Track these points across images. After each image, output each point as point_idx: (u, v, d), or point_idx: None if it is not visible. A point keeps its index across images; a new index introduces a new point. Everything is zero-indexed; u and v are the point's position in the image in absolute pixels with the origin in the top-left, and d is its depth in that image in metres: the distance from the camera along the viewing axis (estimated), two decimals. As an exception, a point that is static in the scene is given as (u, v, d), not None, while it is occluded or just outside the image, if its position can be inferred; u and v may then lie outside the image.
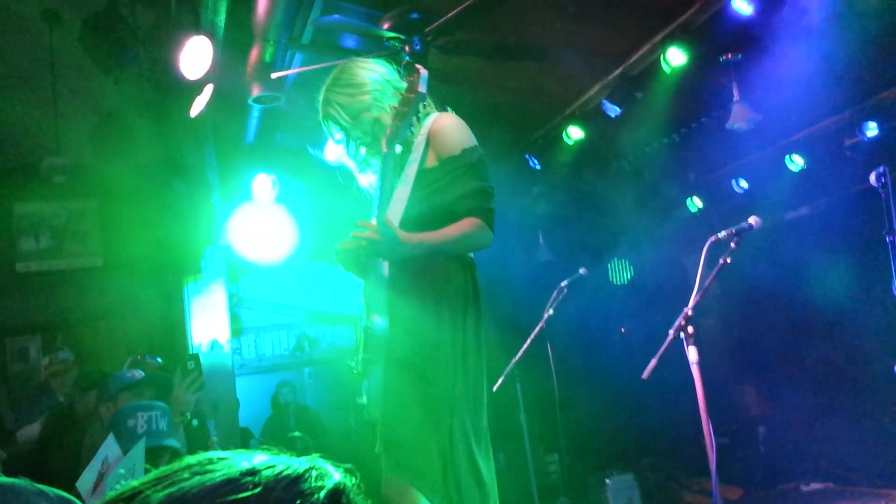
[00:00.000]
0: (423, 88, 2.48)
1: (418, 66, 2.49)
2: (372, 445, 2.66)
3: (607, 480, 6.65)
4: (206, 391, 4.56)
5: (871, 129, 5.66)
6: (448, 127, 2.71)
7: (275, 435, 7.41)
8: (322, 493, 0.64)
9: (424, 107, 2.54)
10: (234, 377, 5.80)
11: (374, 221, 2.55)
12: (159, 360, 4.63)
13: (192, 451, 3.46)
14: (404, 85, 2.67)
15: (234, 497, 0.62)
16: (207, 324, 5.58)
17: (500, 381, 5.15)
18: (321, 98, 2.78)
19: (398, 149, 2.68)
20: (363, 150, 2.77)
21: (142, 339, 5.44)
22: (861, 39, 4.83)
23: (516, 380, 5.34)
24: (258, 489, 0.63)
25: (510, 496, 5.70)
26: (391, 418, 2.60)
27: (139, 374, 3.83)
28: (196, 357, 4.08)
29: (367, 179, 2.85)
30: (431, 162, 2.70)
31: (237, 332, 7.51)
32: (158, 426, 2.97)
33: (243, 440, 5.71)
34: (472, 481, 2.55)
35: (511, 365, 5.22)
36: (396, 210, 2.64)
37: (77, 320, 5.51)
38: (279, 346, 8.32)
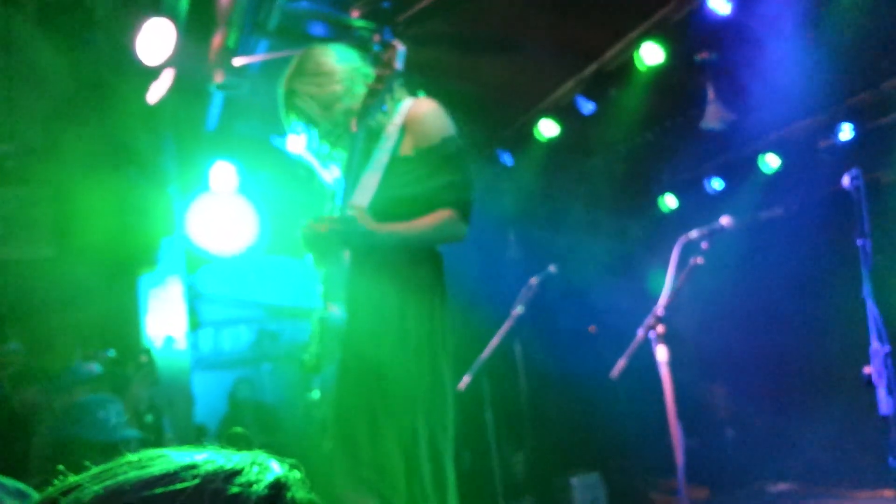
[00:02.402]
0: (399, 65, 2.36)
1: (395, 41, 2.38)
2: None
3: (573, 480, 6.65)
4: (161, 387, 4.50)
5: (845, 132, 5.71)
6: (427, 114, 2.60)
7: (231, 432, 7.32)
8: (262, 485, 0.64)
9: (400, 85, 2.45)
10: (190, 372, 5.70)
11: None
12: (111, 353, 4.55)
13: (146, 448, 3.40)
14: (372, 70, 2.55)
15: (172, 488, 0.62)
16: (163, 317, 5.47)
17: (466, 378, 5.10)
18: (284, 89, 2.64)
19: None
20: (326, 147, 2.65)
21: (95, 332, 5.32)
22: (836, 43, 4.87)
23: (483, 378, 5.31)
24: (196, 481, 0.63)
25: (475, 495, 5.68)
26: (348, 416, 2.49)
27: (96, 368, 3.78)
28: (148, 352, 4.03)
29: (331, 175, 2.71)
30: (407, 150, 2.58)
31: (194, 325, 7.39)
32: (122, 419, 2.96)
33: (198, 437, 5.63)
34: (436, 481, 2.47)
35: (478, 362, 5.19)
36: (364, 197, 2.52)
37: (27, 311, 5.37)
38: (238, 341, 8.25)
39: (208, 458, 0.66)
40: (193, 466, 0.65)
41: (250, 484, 0.64)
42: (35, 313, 5.34)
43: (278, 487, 0.65)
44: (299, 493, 0.67)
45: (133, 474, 0.64)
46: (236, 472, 0.65)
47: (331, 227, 2.44)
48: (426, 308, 2.54)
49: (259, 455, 0.69)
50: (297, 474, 0.69)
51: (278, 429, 7.63)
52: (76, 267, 5.13)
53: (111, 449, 2.72)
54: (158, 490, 0.62)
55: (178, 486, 0.62)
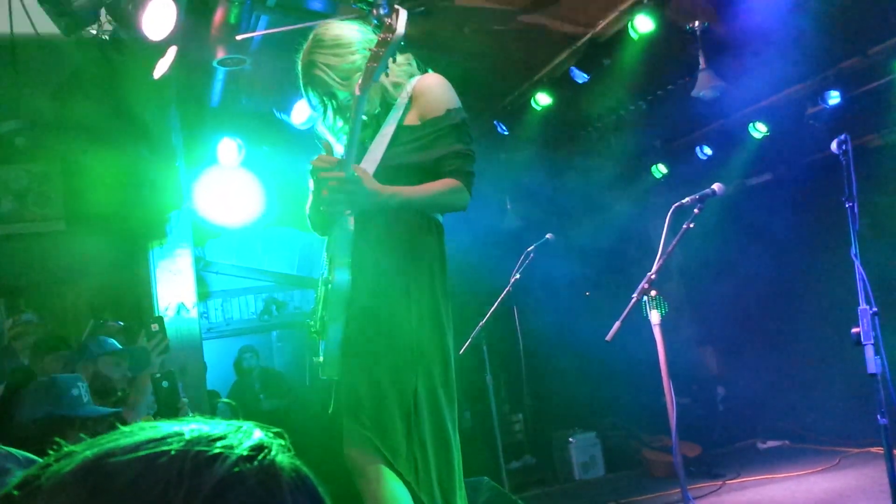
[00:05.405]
0: (401, 28, 2.36)
1: (398, 6, 2.39)
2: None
3: (571, 439, 6.83)
4: (174, 354, 4.57)
5: (834, 98, 5.74)
6: (433, 86, 2.66)
7: (241, 397, 7.43)
8: (243, 447, 0.68)
9: (402, 45, 2.43)
10: (201, 341, 5.78)
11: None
12: (121, 324, 4.63)
13: (162, 412, 3.48)
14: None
15: (157, 450, 0.65)
16: (174, 288, 5.52)
17: (467, 343, 5.22)
18: (303, 62, 2.65)
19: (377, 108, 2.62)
20: (340, 122, 2.69)
21: (106, 304, 5.40)
22: (824, 10, 4.87)
23: (483, 342, 5.42)
24: (181, 444, 0.66)
25: (477, 455, 5.84)
26: (352, 377, 2.53)
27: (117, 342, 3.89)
28: (160, 319, 4.09)
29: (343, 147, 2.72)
30: (413, 120, 2.64)
31: (204, 296, 7.46)
32: (89, 397, 3.05)
33: (211, 402, 5.74)
34: (437, 440, 2.51)
35: (478, 328, 5.30)
36: (370, 165, 2.57)
37: (40, 284, 5.45)
38: (246, 310, 8.28)
39: (194, 426, 0.70)
40: (180, 433, 0.68)
41: (232, 447, 0.67)
42: (48, 285, 5.42)
43: (259, 450, 0.68)
44: (281, 456, 0.69)
45: (122, 441, 0.68)
46: (220, 437, 0.68)
47: (336, 187, 2.45)
48: (427, 274, 2.58)
49: (245, 423, 0.72)
50: (280, 441, 0.72)
51: (286, 394, 7.73)
52: (87, 240, 5.18)
53: (89, 423, 2.85)
54: (143, 452, 0.65)
55: (163, 447, 0.66)
